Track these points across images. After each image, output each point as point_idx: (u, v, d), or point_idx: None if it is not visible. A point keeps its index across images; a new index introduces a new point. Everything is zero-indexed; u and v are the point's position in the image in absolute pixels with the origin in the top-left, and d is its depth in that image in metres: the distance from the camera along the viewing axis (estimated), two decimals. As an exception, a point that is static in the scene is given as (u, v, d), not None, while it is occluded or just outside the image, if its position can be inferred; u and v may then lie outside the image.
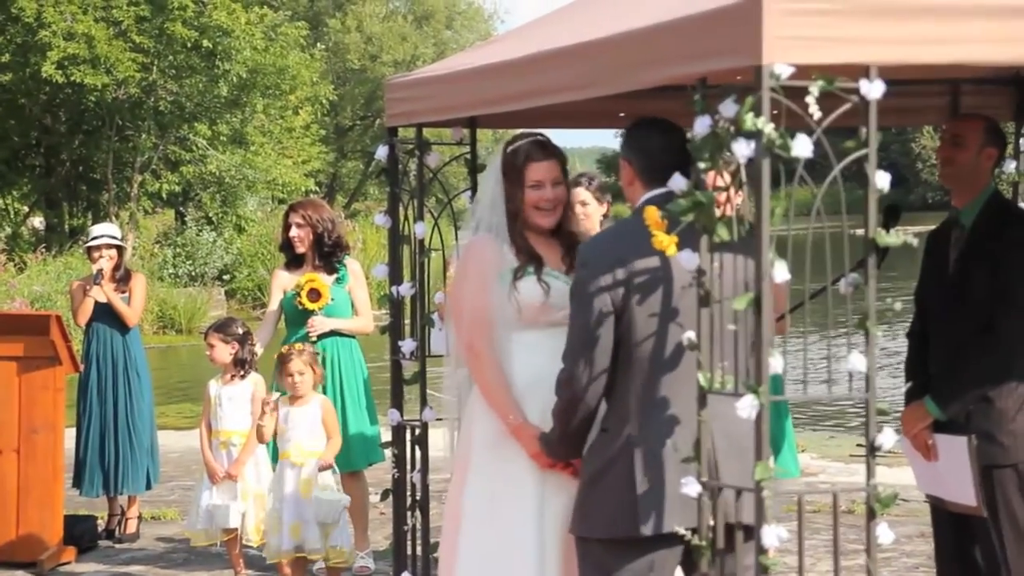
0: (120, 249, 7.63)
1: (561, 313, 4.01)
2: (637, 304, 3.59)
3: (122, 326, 7.58)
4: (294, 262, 6.67)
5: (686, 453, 3.53)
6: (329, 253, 6.62)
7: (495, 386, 4.06)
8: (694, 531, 3.48)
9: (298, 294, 6.50)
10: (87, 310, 7.53)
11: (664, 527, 3.56)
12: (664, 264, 3.58)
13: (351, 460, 6.46)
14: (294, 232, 6.60)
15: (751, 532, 3.42)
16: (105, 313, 7.54)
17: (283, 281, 6.66)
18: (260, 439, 6.07)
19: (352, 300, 6.64)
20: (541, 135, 4.23)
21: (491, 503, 4.06)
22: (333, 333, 6.56)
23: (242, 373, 6.38)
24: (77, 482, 7.62)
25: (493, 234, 4.13)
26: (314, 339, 6.46)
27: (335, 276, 6.62)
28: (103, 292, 7.47)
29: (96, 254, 7.51)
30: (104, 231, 7.73)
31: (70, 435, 7.46)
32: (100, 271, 7.44)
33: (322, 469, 5.90)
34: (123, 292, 7.57)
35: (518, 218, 4.12)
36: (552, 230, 4.19)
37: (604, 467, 3.66)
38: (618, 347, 3.62)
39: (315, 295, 6.49)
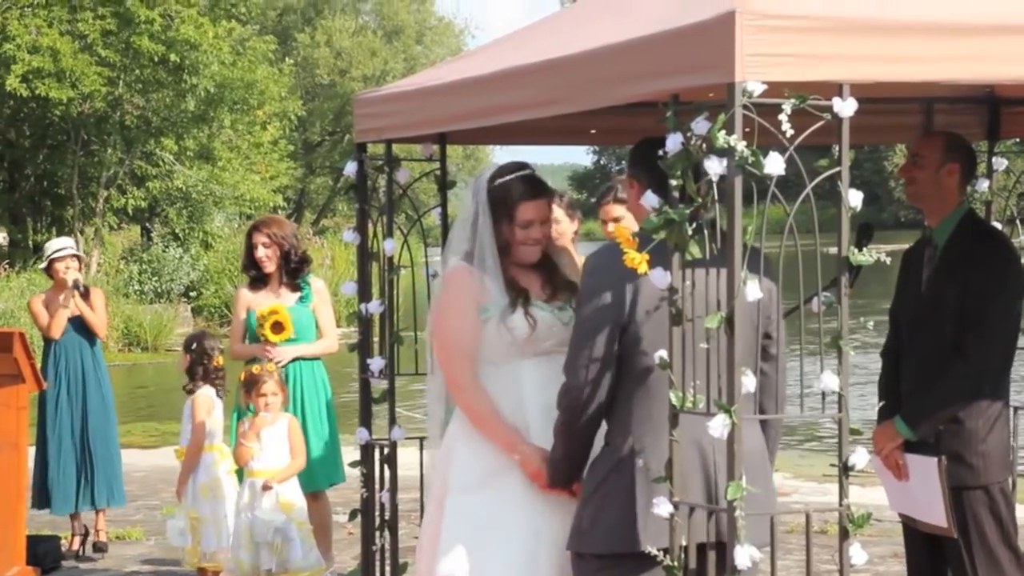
0: (80, 260, 7.65)
1: (547, 343, 4.02)
2: (644, 319, 3.54)
3: (91, 338, 7.59)
4: (259, 281, 6.60)
5: (684, 469, 3.48)
6: (295, 270, 6.57)
7: (487, 416, 3.98)
8: (666, 552, 3.45)
9: (261, 325, 6.42)
10: (61, 322, 7.52)
11: (664, 542, 3.49)
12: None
13: (314, 480, 6.39)
14: (261, 252, 6.53)
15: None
16: (73, 327, 7.53)
17: (247, 300, 6.60)
18: (238, 461, 6.02)
19: (316, 319, 6.58)
20: (529, 168, 4.13)
21: (475, 537, 3.96)
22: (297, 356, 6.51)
23: (190, 388, 6.30)
24: (45, 501, 7.53)
25: (473, 263, 4.05)
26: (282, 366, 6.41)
27: (299, 295, 6.56)
28: (76, 304, 7.44)
29: (61, 265, 7.49)
30: (65, 243, 7.75)
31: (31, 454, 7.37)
32: (77, 280, 7.45)
33: (265, 488, 5.83)
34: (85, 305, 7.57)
35: (506, 252, 4.06)
36: None
37: (605, 481, 3.61)
38: (621, 361, 3.58)
39: (278, 328, 6.40)
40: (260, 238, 6.54)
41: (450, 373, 4.07)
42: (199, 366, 6.26)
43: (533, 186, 4.07)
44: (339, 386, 6.88)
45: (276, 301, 6.52)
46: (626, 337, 3.57)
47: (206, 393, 6.23)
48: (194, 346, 6.31)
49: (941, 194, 4.41)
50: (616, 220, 5.43)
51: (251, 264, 6.59)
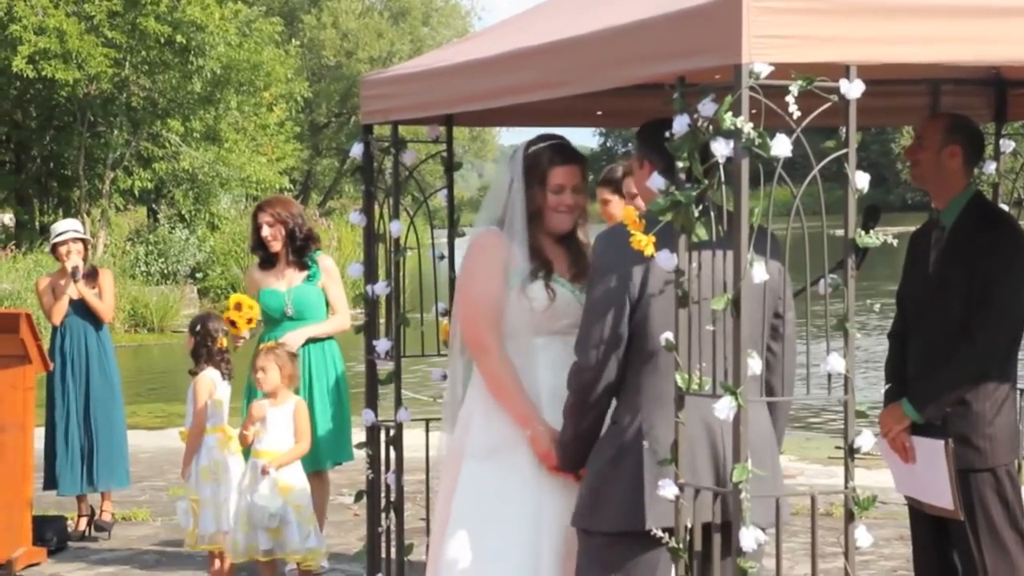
0: (85, 243, 7.62)
1: (564, 322, 4.01)
2: (654, 299, 3.55)
3: (95, 322, 7.58)
4: (267, 261, 6.62)
5: (693, 448, 3.49)
6: (301, 248, 6.58)
7: (506, 381, 3.98)
8: (671, 533, 3.45)
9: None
10: (62, 309, 7.50)
11: (668, 521, 3.50)
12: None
13: (317, 460, 6.39)
14: (266, 231, 6.55)
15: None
16: (77, 310, 7.52)
17: (256, 281, 6.61)
18: (241, 443, 6.03)
19: (327, 297, 6.59)
20: (562, 138, 4.17)
21: (483, 510, 4.00)
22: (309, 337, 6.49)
23: (194, 370, 6.29)
24: (53, 482, 7.57)
25: (503, 229, 4.07)
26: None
27: (306, 273, 6.57)
28: (77, 289, 7.43)
29: (63, 249, 7.48)
30: (69, 226, 7.71)
31: (39, 435, 7.39)
32: (76, 268, 7.42)
33: (263, 472, 5.84)
34: (92, 287, 7.56)
35: (536, 219, 4.08)
36: (561, 236, 4.14)
37: (613, 459, 3.62)
38: (631, 341, 3.59)
39: (231, 324, 6.35)
40: (264, 218, 6.56)
41: (475, 336, 4.03)
42: (203, 348, 6.25)
43: (565, 152, 4.11)
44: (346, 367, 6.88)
45: (283, 281, 6.53)
46: (636, 317, 3.57)
47: (207, 375, 6.22)
48: (198, 328, 6.31)
49: (944, 176, 4.39)
50: (605, 202, 5.46)
51: (258, 244, 6.61)
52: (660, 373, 3.55)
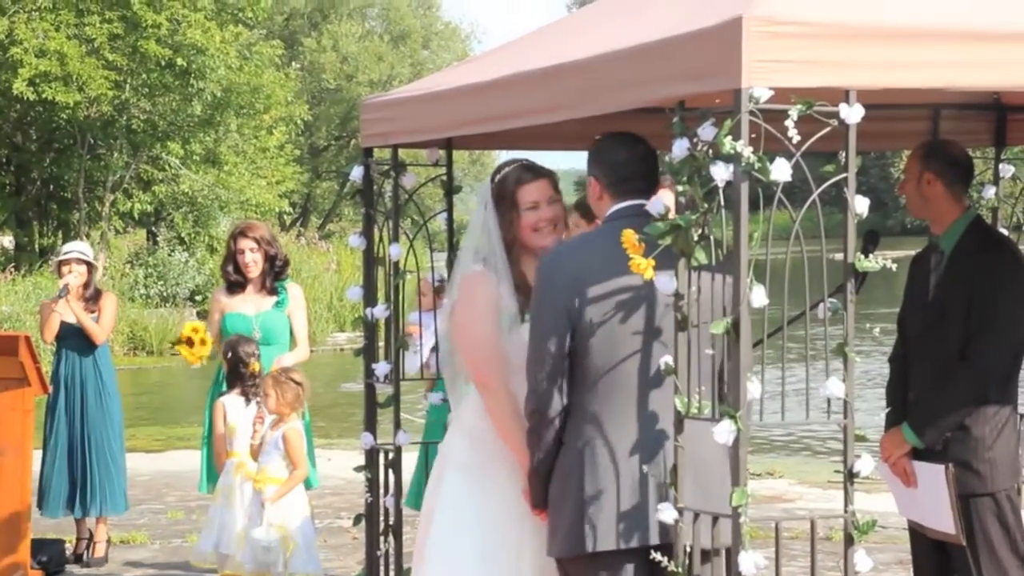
0: (90, 267, 7.58)
1: None
2: (591, 318, 3.59)
3: (91, 345, 7.52)
4: (237, 285, 6.61)
5: (636, 468, 3.52)
6: (278, 273, 6.59)
7: (512, 424, 3.94)
8: (668, 556, 3.44)
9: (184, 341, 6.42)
10: (53, 326, 7.47)
11: (609, 545, 3.53)
12: (625, 280, 3.55)
13: None
14: (248, 257, 6.54)
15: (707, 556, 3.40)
16: (74, 333, 7.48)
17: (222, 304, 6.61)
18: (252, 456, 6.04)
19: (291, 325, 6.57)
20: (525, 160, 4.14)
21: (464, 526, 3.99)
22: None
23: (223, 392, 6.29)
24: (40, 502, 7.53)
25: (488, 267, 4.03)
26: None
27: (275, 299, 6.57)
28: (70, 309, 7.40)
29: (65, 268, 7.46)
30: (75, 247, 7.72)
31: (38, 457, 7.37)
32: (66, 286, 7.38)
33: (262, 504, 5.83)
34: (92, 311, 7.51)
35: (514, 247, 4.04)
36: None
37: (560, 483, 3.66)
38: (573, 360, 3.62)
39: (190, 344, 6.38)
40: (248, 243, 6.55)
41: (480, 377, 4.01)
42: (234, 373, 6.25)
43: (532, 169, 4.08)
44: (343, 389, 6.86)
45: (252, 305, 6.53)
46: (576, 340, 3.61)
47: (222, 401, 6.25)
48: (230, 354, 6.29)
49: (930, 204, 4.40)
50: (574, 226, 5.44)
51: (235, 269, 6.60)
52: (600, 395, 3.59)
